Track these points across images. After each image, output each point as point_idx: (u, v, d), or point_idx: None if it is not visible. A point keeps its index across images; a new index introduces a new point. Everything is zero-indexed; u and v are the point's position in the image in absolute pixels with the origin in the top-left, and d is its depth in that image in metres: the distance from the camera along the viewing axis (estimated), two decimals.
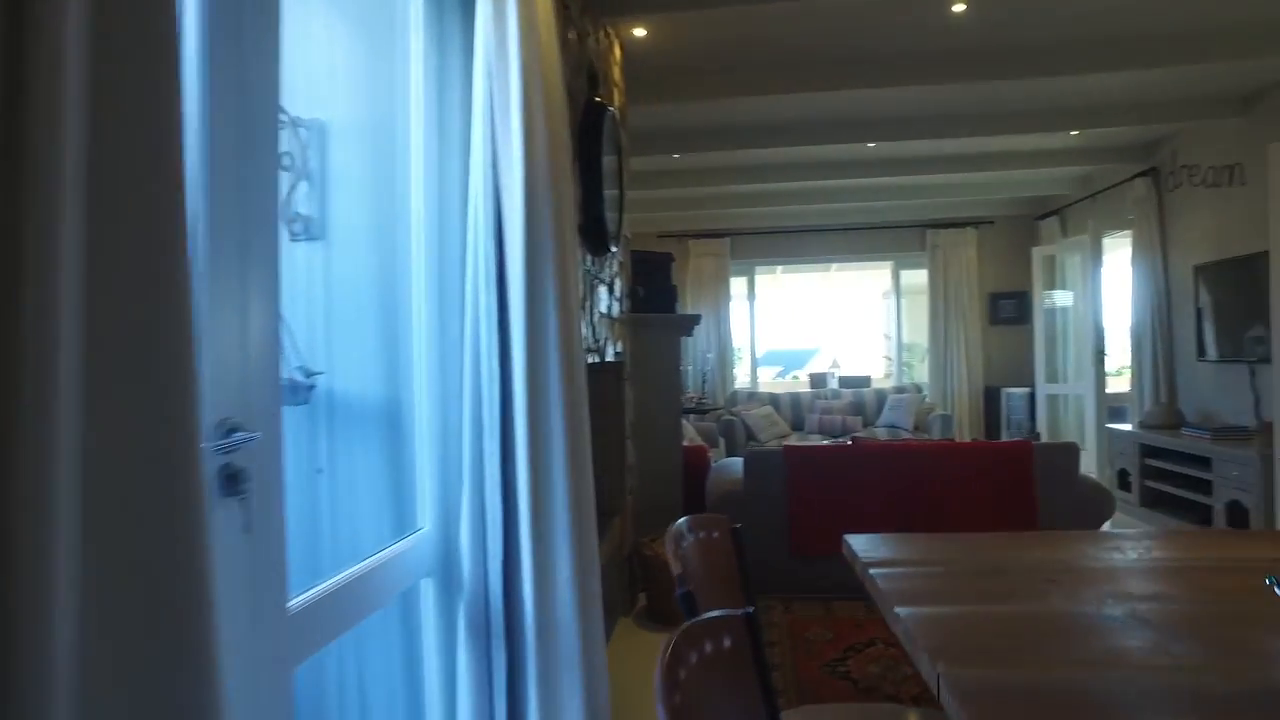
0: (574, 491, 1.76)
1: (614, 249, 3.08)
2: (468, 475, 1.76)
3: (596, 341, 2.98)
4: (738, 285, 9.23)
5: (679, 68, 4.54)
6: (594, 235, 2.86)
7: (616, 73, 3.85)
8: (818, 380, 11.89)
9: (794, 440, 7.53)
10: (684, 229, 9.03)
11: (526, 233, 1.70)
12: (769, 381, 13.43)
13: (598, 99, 2.95)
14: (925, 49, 4.39)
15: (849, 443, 4.05)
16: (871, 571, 1.36)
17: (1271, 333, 4.18)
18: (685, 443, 6.19)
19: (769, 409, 7.90)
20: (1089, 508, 3.82)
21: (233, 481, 1.08)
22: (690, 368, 8.71)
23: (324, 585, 1.48)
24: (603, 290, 3.19)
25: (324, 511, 2.00)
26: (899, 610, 1.11)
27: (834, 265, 10.87)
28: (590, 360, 2.88)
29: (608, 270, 3.32)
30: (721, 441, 7.77)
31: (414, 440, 1.97)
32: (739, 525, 1.57)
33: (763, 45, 4.30)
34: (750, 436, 7.67)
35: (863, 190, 7.70)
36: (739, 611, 0.94)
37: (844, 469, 3.87)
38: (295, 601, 1.30)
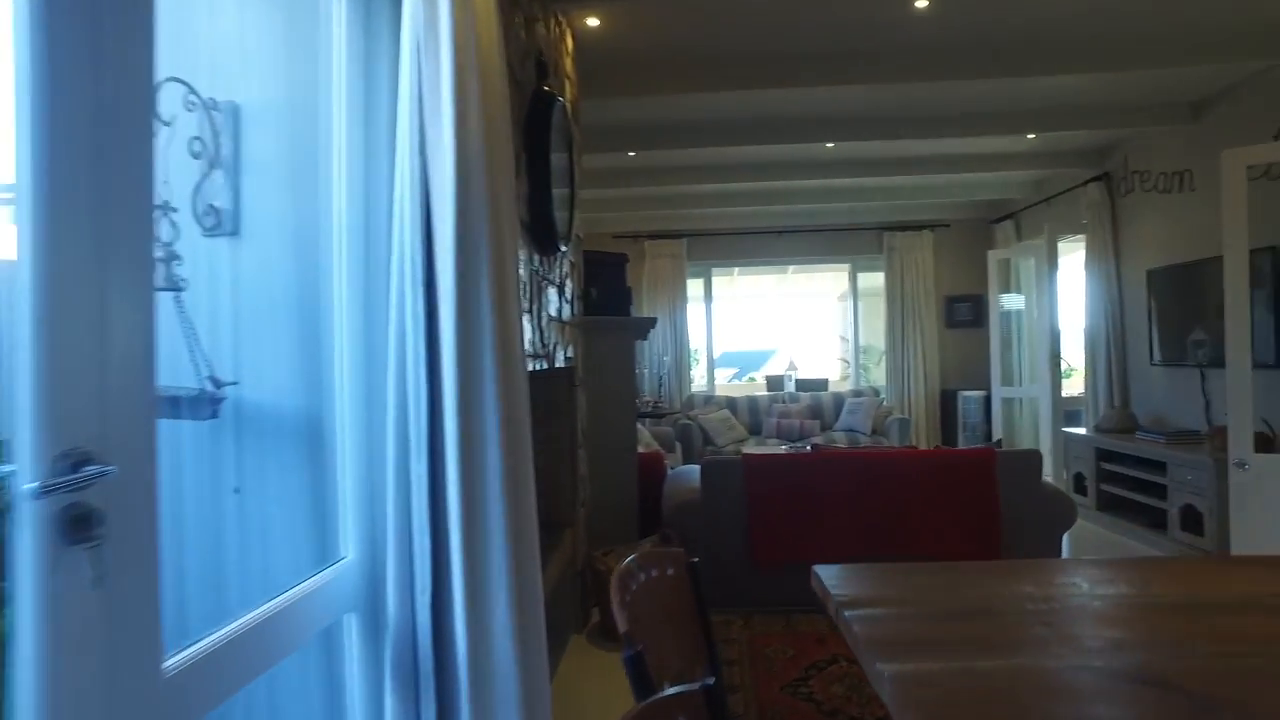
0: (512, 516, 1.58)
1: (564, 248, 2.91)
2: (392, 499, 1.57)
3: (545, 346, 2.80)
4: (694, 287, 9.11)
5: (634, 61, 4.39)
6: (542, 233, 2.68)
7: (568, 64, 3.68)
8: (775, 383, 11.86)
9: (751, 445, 7.42)
10: (640, 229, 8.88)
11: (458, 228, 1.52)
12: (726, 384, 13.38)
13: (546, 88, 2.77)
14: (886, 46, 4.30)
15: (809, 449, 3.93)
16: (847, 614, 1.22)
17: (1226, 337, 4.16)
18: (640, 449, 6.04)
19: (726, 413, 7.78)
20: (1052, 515, 3.75)
21: (80, 526, 0.88)
22: (646, 371, 8.57)
23: (224, 631, 1.28)
24: (552, 292, 3.01)
25: (232, 541, 1.79)
26: (882, 668, 0.96)
27: (791, 267, 10.82)
28: (538, 366, 2.71)
29: (557, 271, 3.15)
30: (678, 446, 7.64)
31: (336, 459, 1.78)
32: (696, 560, 1.41)
33: (720, 39, 4.17)
34: (707, 441, 7.54)
35: (820, 192, 7.63)
36: (697, 685, 0.78)
37: (804, 477, 3.74)
38: (175, 660, 1.10)
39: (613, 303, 4.26)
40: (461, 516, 1.51)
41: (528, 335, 2.53)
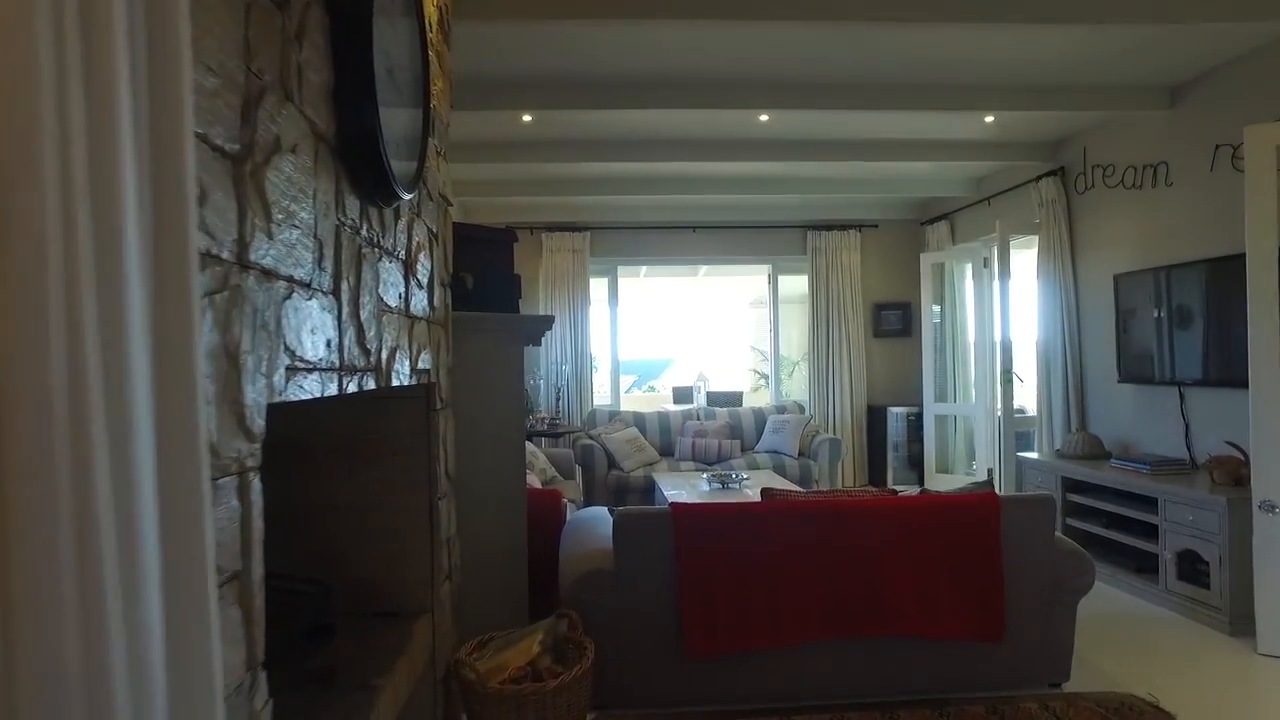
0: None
1: (405, 196, 1.80)
2: None
3: (369, 353, 1.69)
4: (598, 287, 8.07)
5: None
6: (359, 161, 1.57)
7: None
8: (682, 395, 10.97)
9: (663, 469, 6.42)
10: (536, 220, 7.78)
11: None
12: (631, 398, 12.39)
13: None
14: None
15: (759, 498, 2.94)
16: None
17: (1250, 350, 3.43)
18: (535, 481, 4.93)
19: (634, 431, 6.76)
20: (1067, 580, 2.89)
21: None
22: (542, 382, 7.45)
23: None
24: (389, 267, 1.90)
25: None
26: None
27: (702, 269, 9.94)
28: (354, 384, 1.60)
29: (401, 239, 2.04)
30: (579, 471, 6.57)
31: None
32: None
33: None
34: (612, 464, 6.50)
35: (742, 180, 6.74)
36: None
37: (754, 536, 2.74)
38: None
39: (496, 295, 3.17)
40: None
41: (328, 333, 1.42)
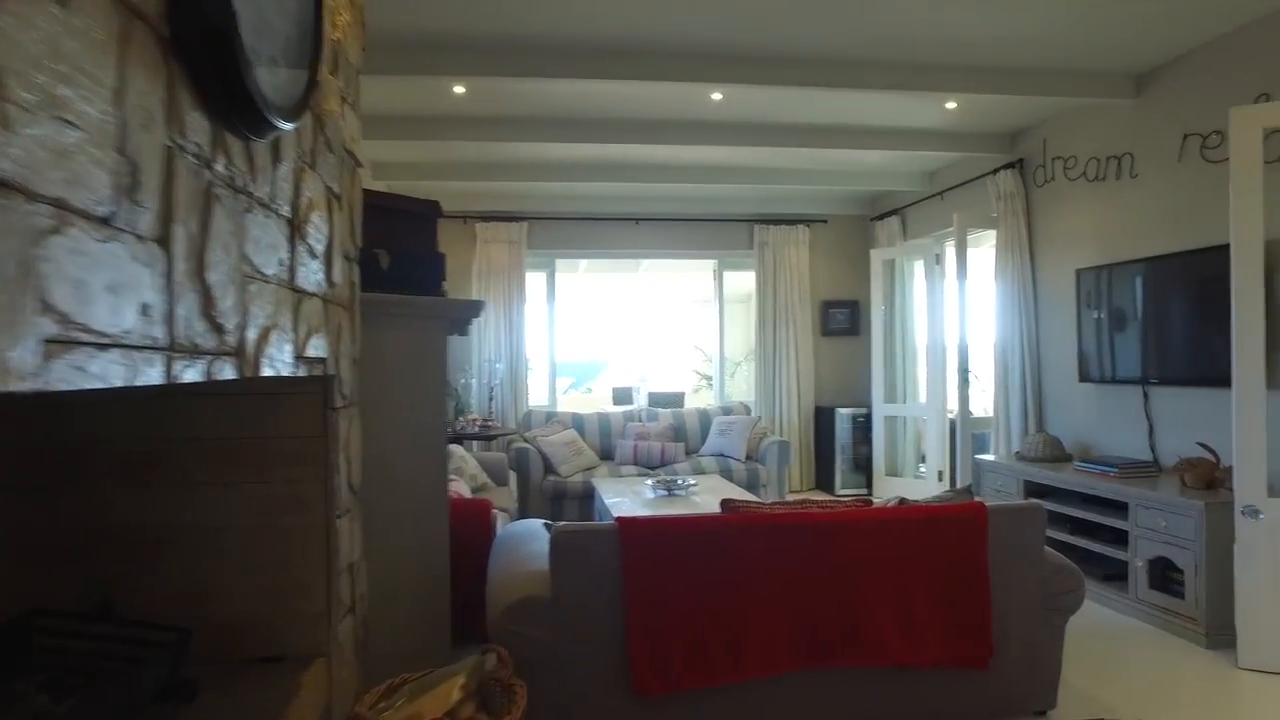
0: None
1: (283, 126, 1.37)
2: None
3: (221, 330, 1.25)
4: (535, 282, 7.63)
5: None
6: (204, 62, 1.14)
7: None
8: (622, 396, 10.61)
9: (603, 473, 6.03)
10: (470, 208, 7.30)
11: None
12: (568, 399, 11.95)
13: None
14: None
15: (708, 507, 2.58)
16: None
17: (1234, 348, 3.23)
18: (463, 489, 4.49)
19: (572, 434, 6.35)
20: (1056, 597, 2.60)
21: None
22: (474, 381, 6.98)
23: None
24: (264, 223, 1.46)
25: None
26: None
27: (643, 265, 9.58)
28: (203, 371, 1.16)
29: (284, 186, 1.60)
30: (513, 477, 6.13)
31: None
32: None
33: None
34: (549, 469, 6.08)
35: (689, 169, 6.40)
36: None
37: (713, 555, 2.38)
38: None
39: (416, 276, 2.73)
40: None
41: (144, 295, 0.99)
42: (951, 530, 2.48)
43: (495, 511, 3.74)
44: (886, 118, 5.20)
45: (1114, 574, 4.02)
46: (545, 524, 2.67)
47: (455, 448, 5.47)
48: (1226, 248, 3.82)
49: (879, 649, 2.40)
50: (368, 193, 2.59)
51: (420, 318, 2.65)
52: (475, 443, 6.74)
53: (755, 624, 2.36)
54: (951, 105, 4.90)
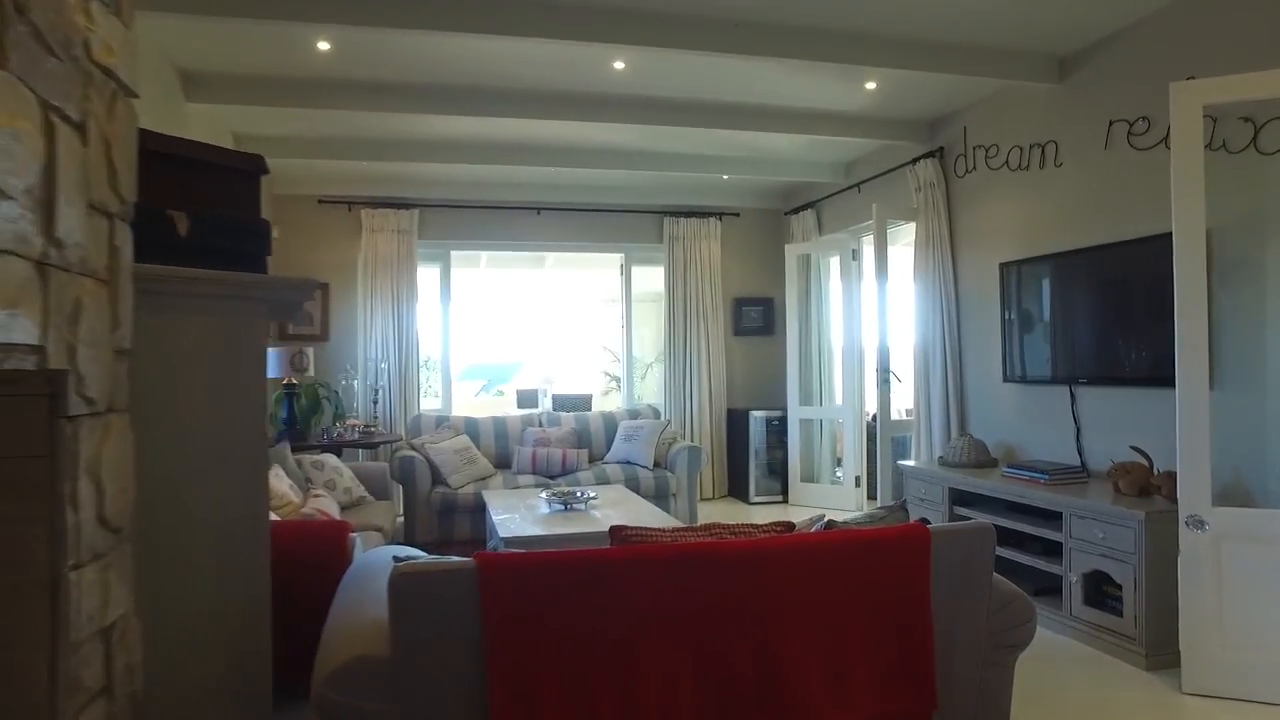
0: None
1: None
2: None
3: None
4: (429, 276, 7.00)
5: None
6: None
7: None
8: (527, 399, 10.03)
9: (498, 483, 5.48)
10: (355, 193, 6.63)
11: None
12: (473, 402, 11.30)
13: None
14: None
15: (608, 541, 2.09)
16: None
17: (1177, 345, 2.95)
18: (328, 510, 3.87)
19: (464, 440, 5.77)
20: (1006, 632, 2.23)
21: None
22: (356, 383, 6.30)
23: None
24: None
25: None
26: None
27: (549, 259, 9.05)
28: None
29: None
30: (398, 490, 5.52)
31: None
32: None
33: None
34: (438, 480, 5.49)
35: (592, 152, 5.92)
36: None
37: (599, 596, 1.89)
38: None
39: (228, 246, 2.14)
40: None
41: None
42: (888, 559, 2.07)
43: (355, 535, 3.15)
44: (803, 99, 4.84)
45: (1046, 588, 3.73)
46: (397, 556, 2.14)
47: (328, 458, 4.83)
48: (1157, 239, 3.60)
49: (803, 705, 1.96)
50: (154, 136, 2.00)
51: (231, 299, 2.07)
52: (360, 451, 6.09)
53: (651, 682, 1.88)
54: (871, 86, 4.57)
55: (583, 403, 8.17)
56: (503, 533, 3.68)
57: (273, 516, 3.75)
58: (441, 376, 7.16)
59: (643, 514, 4.02)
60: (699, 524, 2.17)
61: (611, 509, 4.18)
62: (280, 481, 4.04)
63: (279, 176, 6.44)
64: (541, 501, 4.32)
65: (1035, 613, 2.29)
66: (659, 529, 2.09)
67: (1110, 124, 3.94)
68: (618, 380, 10.88)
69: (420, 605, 1.84)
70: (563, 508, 4.19)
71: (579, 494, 4.30)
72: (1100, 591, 3.42)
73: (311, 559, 2.89)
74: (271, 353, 5.42)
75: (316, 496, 4.11)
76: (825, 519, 2.20)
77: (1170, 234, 3.57)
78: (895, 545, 2.09)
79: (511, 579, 1.86)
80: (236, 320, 2.10)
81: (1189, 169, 2.96)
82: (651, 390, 9.25)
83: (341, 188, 6.60)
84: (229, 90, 4.31)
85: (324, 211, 6.64)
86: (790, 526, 2.18)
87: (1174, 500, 3.28)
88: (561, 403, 8.10)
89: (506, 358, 12.53)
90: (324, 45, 3.93)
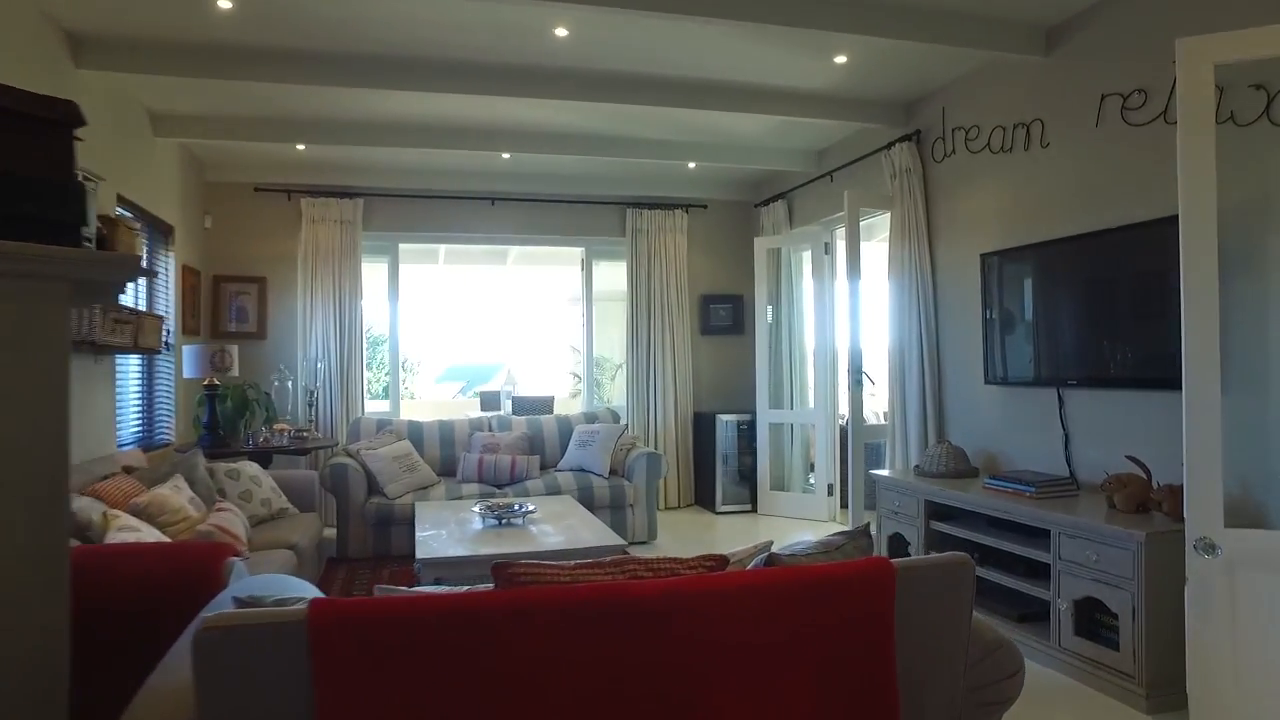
0: None
1: None
2: None
3: None
4: (375, 271, 6.55)
5: None
6: None
7: None
8: (490, 402, 9.61)
9: (440, 493, 5.04)
10: (293, 180, 6.17)
11: None
12: (456, 405, 10.82)
13: None
14: None
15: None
16: None
17: (1184, 344, 2.57)
18: (229, 527, 3.42)
19: (405, 446, 5.32)
20: (990, 685, 1.82)
21: None
22: (292, 384, 5.83)
23: None
24: None
25: None
26: None
27: (512, 254, 8.61)
28: None
29: None
30: (330, 502, 5.08)
31: None
32: None
33: None
34: (374, 489, 5.04)
35: (546, 136, 5.49)
36: None
37: (471, 653, 1.47)
38: None
39: (27, 213, 1.70)
40: None
41: None
42: (844, 603, 1.66)
43: (237, 559, 2.70)
44: (768, 75, 4.44)
45: (1031, 614, 3.35)
46: (237, 597, 1.70)
47: (246, 466, 4.37)
48: (1156, 224, 3.24)
49: None
50: None
51: (23, 276, 1.64)
52: (300, 456, 5.63)
53: None
54: (841, 60, 4.18)
55: (543, 405, 7.73)
56: (420, 553, 3.25)
57: (160, 536, 3.31)
58: (390, 377, 6.70)
59: (584, 531, 3.60)
60: (609, 559, 1.75)
61: (551, 524, 3.75)
62: (178, 494, 3.59)
63: (209, 161, 5.97)
64: (475, 515, 3.90)
65: (1023, 662, 1.89)
66: (556, 566, 1.67)
67: (1102, 98, 3.57)
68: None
69: (233, 670, 1.41)
70: (497, 523, 3.76)
71: (517, 507, 3.87)
72: (1093, 620, 3.04)
73: (175, 589, 2.44)
74: (189, 350, 4.95)
75: (220, 511, 3.66)
76: (768, 550, 1.79)
77: (1170, 218, 3.21)
78: (852, 585, 1.68)
79: (355, 634, 1.44)
80: (28, 303, 1.66)
81: (1198, 139, 2.57)
82: (620, 393, 8.84)
83: (280, 174, 6.15)
84: (124, 55, 3.84)
85: (260, 200, 6.17)
86: (723, 562, 1.77)
87: (1177, 518, 2.91)
88: (521, 405, 7.66)
89: (487, 359, 12.09)
90: (224, 2, 3.48)
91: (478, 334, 11.15)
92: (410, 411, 9.54)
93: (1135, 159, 3.40)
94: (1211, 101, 2.59)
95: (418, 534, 3.64)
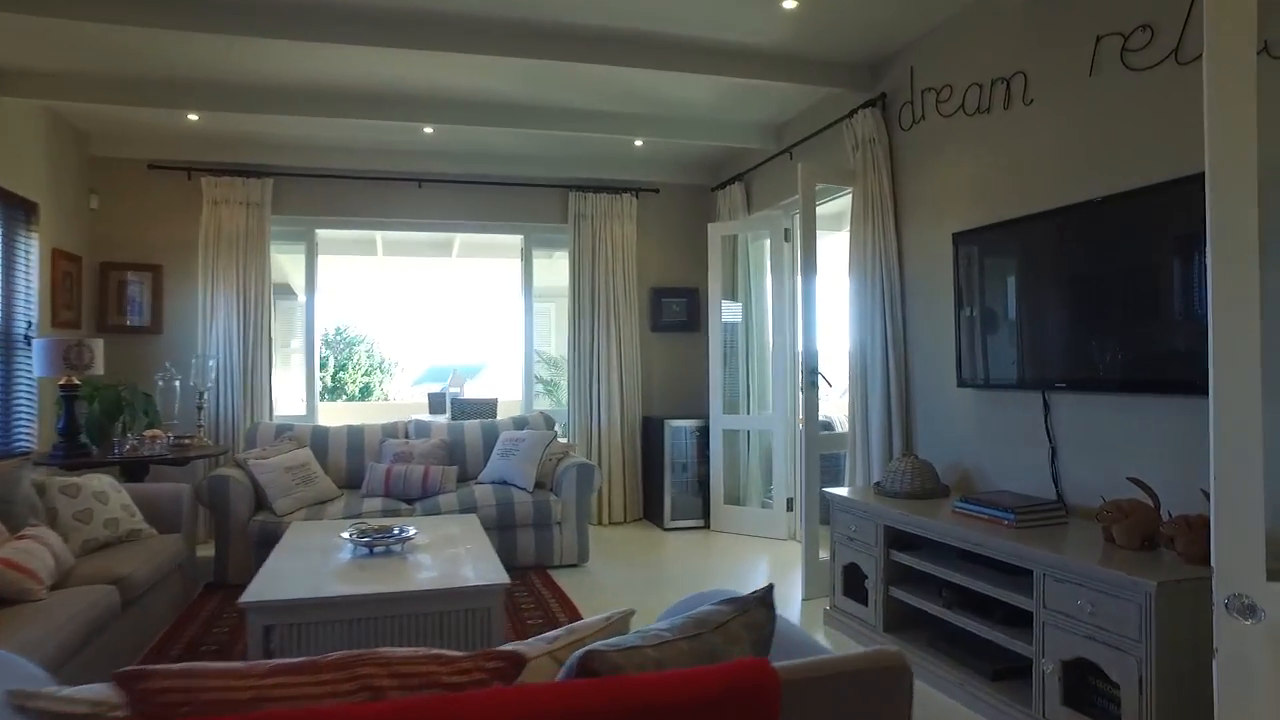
0: None
1: None
2: None
3: None
4: (293, 263, 5.88)
5: None
6: None
7: None
8: (436, 403, 8.99)
9: (337, 509, 4.36)
10: (194, 158, 5.50)
11: None
12: (403, 404, 10.16)
13: None
14: None
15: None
16: None
17: (1211, 339, 1.94)
18: (66, 555, 2.73)
19: (305, 455, 4.65)
20: None
21: None
22: (178, 383, 5.14)
23: None
24: None
25: None
26: None
27: (456, 246, 7.96)
28: None
29: None
30: (204, 516, 4.40)
31: None
32: None
33: None
34: (261, 504, 4.38)
35: (476, 107, 4.85)
36: None
37: None
38: None
39: None
40: None
41: None
42: None
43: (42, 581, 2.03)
44: (711, 27, 3.81)
45: (1009, 671, 2.72)
46: None
47: (92, 481, 3.68)
48: (1165, 187, 2.62)
49: None
50: None
51: None
52: (174, 465, 4.94)
53: None
54: (790, 4, 3.54)
55: (486, 409, 7.08)
56: (250, 592, 2.59)
57: None
58: (305, 376, 6.03)
59: (467, 566, 2.94)
60: (339, 653, 1.10)
61: (433, 554, 3.09)
62: None
63: (95, 133, 5.29)
64: (345, 542, 3.24)
65: None
66: (237, 671, 1.01)
67: (1098, 40, 2.95)
68: (547, 384, 9.80)
69: None
70: (368, 552, 3.10)
71: (397, 531, 3.21)
72: (1087, 686, 2.41)
73: None
74: (38, 345, 4.25)
75: (20, 540, 2.98)
76: (585, 648, 1.12)
77: (1186, 179, 2.58)
78: (710, 711, 1.03)
79: None
80: None
81: (1232, 67, 1.94)
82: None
83: (177, 150, 5.47)
84: None
85: (156, 178, 5.49)
86: (517, 663, 1.12)
87: (1192, 560, 2.29)
88: (461, 409, 7.00)
89: (471, 360, 11.42)
90: None
91: (429, 333, 10.47)
92: (363, 415, 8.89)
93: (1139, 110, 2.79)
94: (1252, 17, 1.95)
95: (269, 562, 2.98)
